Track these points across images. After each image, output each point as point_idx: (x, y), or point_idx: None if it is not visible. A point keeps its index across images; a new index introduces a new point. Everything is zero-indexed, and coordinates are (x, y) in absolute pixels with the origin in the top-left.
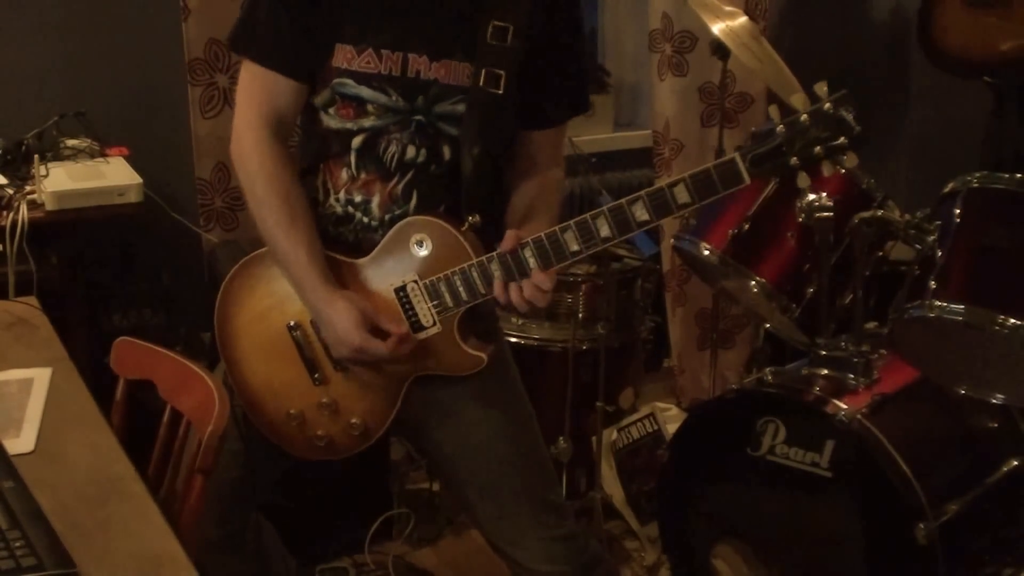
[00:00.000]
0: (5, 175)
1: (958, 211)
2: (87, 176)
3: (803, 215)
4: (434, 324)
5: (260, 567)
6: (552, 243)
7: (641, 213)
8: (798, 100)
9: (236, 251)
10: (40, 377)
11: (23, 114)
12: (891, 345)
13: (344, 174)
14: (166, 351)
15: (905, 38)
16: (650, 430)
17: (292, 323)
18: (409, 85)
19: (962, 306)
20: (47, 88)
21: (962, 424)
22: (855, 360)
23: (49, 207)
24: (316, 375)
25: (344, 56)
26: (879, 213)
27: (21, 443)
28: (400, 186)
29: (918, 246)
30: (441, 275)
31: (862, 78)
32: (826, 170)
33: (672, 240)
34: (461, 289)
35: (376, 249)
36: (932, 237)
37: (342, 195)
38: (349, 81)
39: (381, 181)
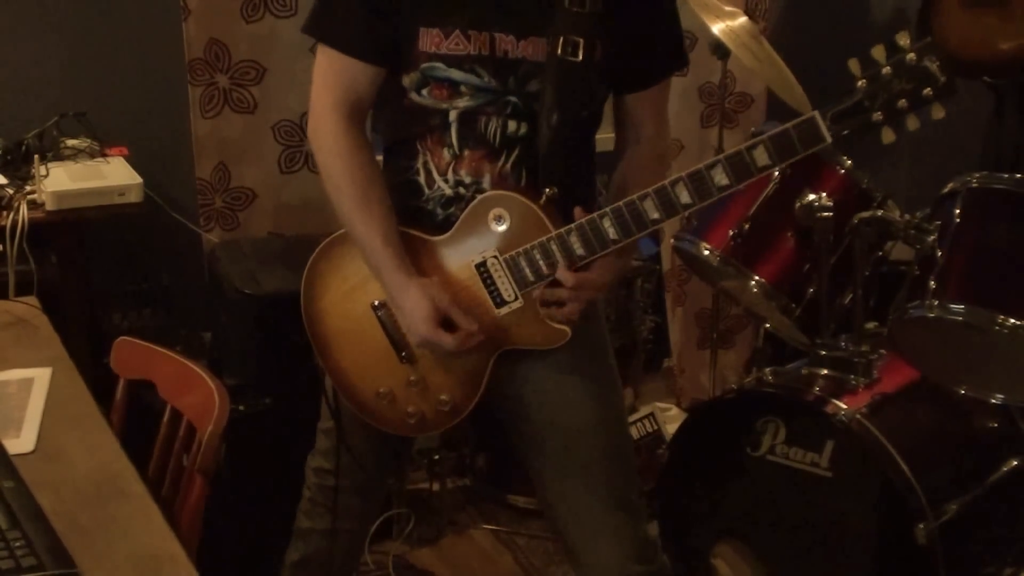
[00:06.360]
0: (5, 175)
1: (958, 211)
2: (87, 176)
3: (803, 215)
4: (516, 299)
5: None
6: (631, 212)
7: (720, 178)
8: (878, 51)
9: (236, 251)
10: (40, 377)
11: (23, 114)
12: (891, 345)
13: (446, 153)
14: (166, 351)
15: None
16: (650, 430)
17: (376, 302)
18: (499, 65)
19: (962, 306)
20: (47, 88)
21: (962, 424)
22: (855, 360)
23: (49, 207)
24: (403, 353)
25: (431, 40)
26: (879, 213)
27: (21, 443)
28: (509, 164)
29: (918, 246)
30: (521, 249)
31: None
32: (911, 124)
33: (672, 240)
34: (541, 262)
35: (455, 226)
36: (932, 237)
37: (449, 175)
38: (439, 65)
39: (489, 160)
